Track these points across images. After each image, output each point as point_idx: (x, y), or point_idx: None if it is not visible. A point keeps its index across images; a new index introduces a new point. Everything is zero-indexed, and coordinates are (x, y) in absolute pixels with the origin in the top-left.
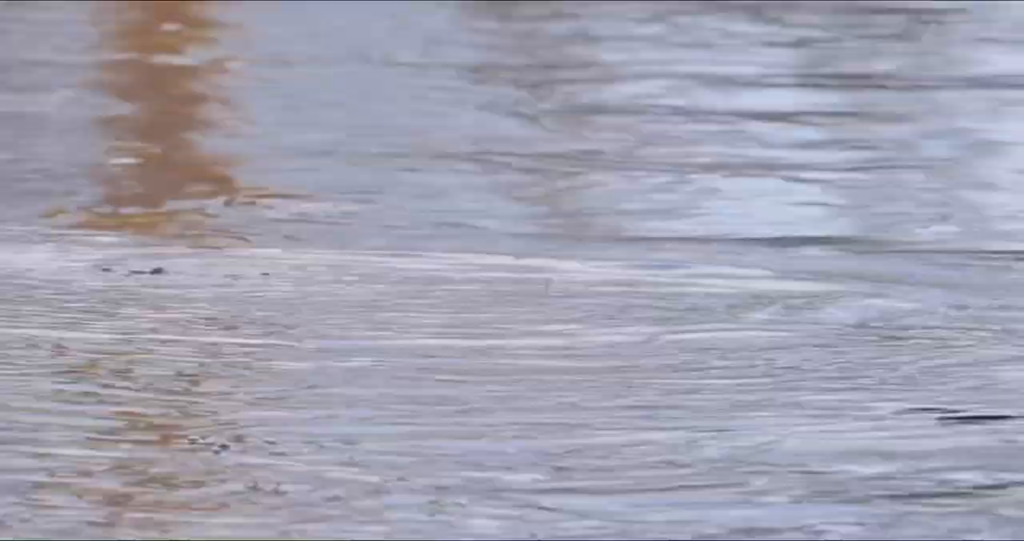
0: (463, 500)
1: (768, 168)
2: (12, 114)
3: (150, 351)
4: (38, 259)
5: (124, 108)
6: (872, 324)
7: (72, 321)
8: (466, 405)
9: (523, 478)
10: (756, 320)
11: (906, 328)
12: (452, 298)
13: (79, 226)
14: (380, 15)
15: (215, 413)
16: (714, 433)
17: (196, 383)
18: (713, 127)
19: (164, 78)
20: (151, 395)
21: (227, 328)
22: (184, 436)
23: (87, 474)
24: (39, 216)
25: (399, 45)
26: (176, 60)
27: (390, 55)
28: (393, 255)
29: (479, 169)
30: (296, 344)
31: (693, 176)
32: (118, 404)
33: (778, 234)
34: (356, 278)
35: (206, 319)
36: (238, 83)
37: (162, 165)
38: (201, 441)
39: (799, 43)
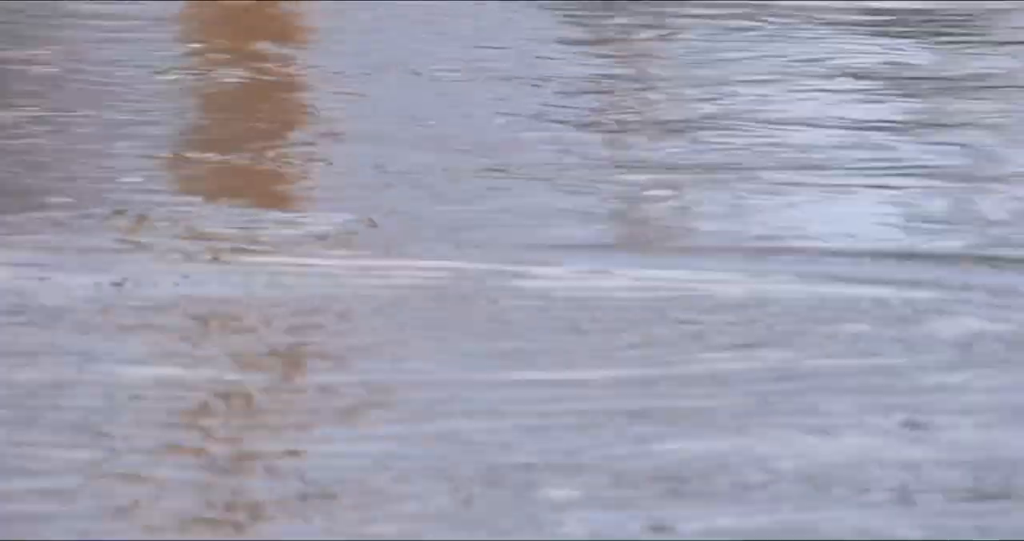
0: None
1: (867, 177)
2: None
3: (185, 365)
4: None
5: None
6: (972, 339)
7: (95, 339)
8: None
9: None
10: (852, 333)
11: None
12: (511, 320)
13: (117, 231)
14: (463, 23)
15: (264, 434)
16: (802, 449)
17: (233, 403)
18: (811, 136)
19: (241, 89)
20: (200, 411)
21: (278, 343)
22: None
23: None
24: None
25: (481, 56)
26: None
27: (468, 66)
28: (465, 270)
29: (553, 182)
30: (343, 366)
31: (792, 187)
32: (165, 413)
33: (882, 246)
34: (415, 295)
35: (253, 337)
36: (311, 94)
37: (199, 172)
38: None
39: (900, 51)
